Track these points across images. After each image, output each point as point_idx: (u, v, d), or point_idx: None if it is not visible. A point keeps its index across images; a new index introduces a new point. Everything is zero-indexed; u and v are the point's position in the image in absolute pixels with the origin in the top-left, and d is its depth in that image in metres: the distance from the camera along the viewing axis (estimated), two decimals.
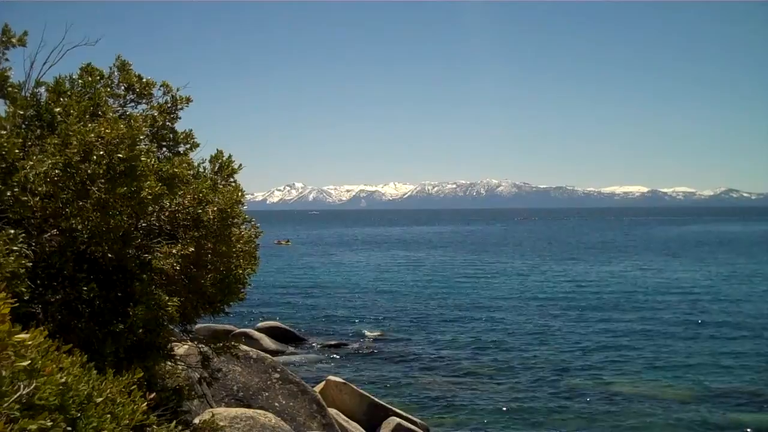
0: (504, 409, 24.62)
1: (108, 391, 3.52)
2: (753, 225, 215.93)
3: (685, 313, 43.92)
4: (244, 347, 15.80)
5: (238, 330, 32.81)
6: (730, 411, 24.05)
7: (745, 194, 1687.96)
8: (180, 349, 12.19)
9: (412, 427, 18.85)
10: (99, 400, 3.42)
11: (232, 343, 7.70)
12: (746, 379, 27.94)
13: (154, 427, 3.80)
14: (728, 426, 22.63)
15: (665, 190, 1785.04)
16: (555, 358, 31.76)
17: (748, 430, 22.22)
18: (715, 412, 23.86)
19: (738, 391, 26.23)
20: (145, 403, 3.64)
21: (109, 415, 3.39)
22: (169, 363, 7.50)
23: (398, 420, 18.72)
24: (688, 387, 26.89)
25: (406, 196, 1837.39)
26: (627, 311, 44.96)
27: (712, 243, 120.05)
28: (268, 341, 32.93)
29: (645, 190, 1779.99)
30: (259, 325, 36.38)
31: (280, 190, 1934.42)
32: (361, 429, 17.43)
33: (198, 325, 19.83)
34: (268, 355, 17.25)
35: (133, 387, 3.69)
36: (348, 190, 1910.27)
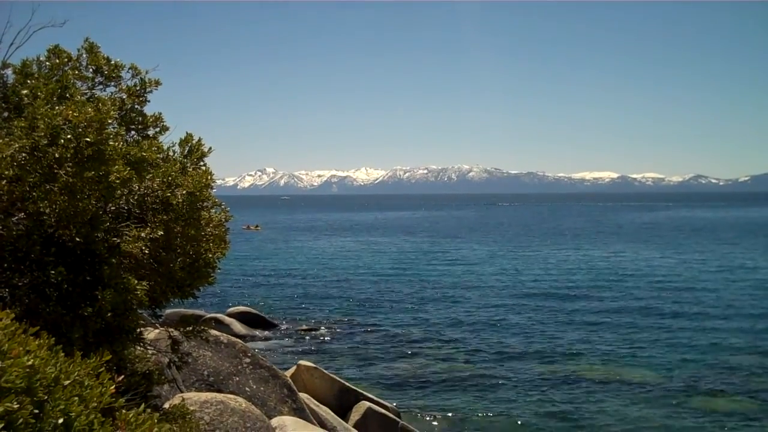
0: (475, 392, 24.80)
1: (76, 373, 3.51)
2: (721, 211, 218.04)
3: (656, 299, 44.37)
4: (214, 332, 15.77)
5: (209, 315, 32.74)
6: (701, 395, 24.40)
7: (713, 180, 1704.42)
8: (150, 334, 12.14)
9: (383, 410, 18.91)
10: (66, 382, 3.41)
11: (202, 327, 7.68)
12: (715, 363, 28.32)
13: (123, 411, 3.78)
14: (700, 409, 22.95)
15: (635, 176, 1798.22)
16: (525, 344, 32.00)
17: (720, 412, 22.58)
18: (682, 396, 24.19)
19: (709, 375, 26.59)
20: (114, 386, 3.62)
21: (76, 398, 3.38)
22: (139, 347, 7.48)
23: (369, 404, 18.78)
24: (657, 371, 27.22)
25: (378, 181, 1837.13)
26: (597, 297, 45.35)
27: (683, 229, 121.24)
28: (238, 326, 32.86)
29: (615, 176, 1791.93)
30: (230, 310, 36.28)
31: (251, 176, 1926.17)
32: (332, 413, 17.45)
33: (168, 311, 19.77)
34: (239, 340, 17.21)
35: (101, 370, 3.68)
36: (319, 176, 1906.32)
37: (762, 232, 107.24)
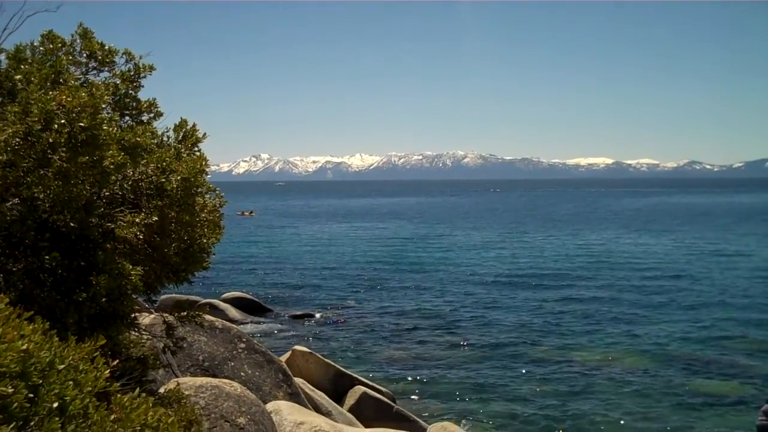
0: (470, 376, 24.90)
1: (70, 358, 3.51)
2: (716, 197, 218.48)
3: (651, 284, 44.53)
4: (209, 317, 15.79)
5: (204, 300, 32.75)
6: (690, 378, 24.53)
7: (707, 166, 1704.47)
8: (145, 319, 12.15)
9: (378, 395, 18.97)
10: (61, 367, 3.41)
11: (197, 312, 7.69)
12: (705, 347, 28.44)
13: (118, 395, 3.79)
14: (689, 392, 23.08)
15: (629, 162, 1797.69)
16: (520, 329, 32.12)
17: (713, 395, 22.72)
18: (675, 380, 24.32)
19: (702, 359, 26.74)
20: (108, 371, 3.63)
21: (71, 382, 3.38)
22: (134, 333, 7.49)
23: (364, 389, 18.84)
24: (650, 355, 27.34)
25: (373, 167, 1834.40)
26: (592, 282, 45.47)
27: (678, 215, 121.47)
28: (233, 312, 32.90)
29: (609, 161, 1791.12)
30: (225, 295, 36.29)
31: (245, 161, 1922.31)
32: (327, 398, 17.50)
33: (163, 296, 19.79)
34: (234, 326, 17.24)
35: (95, 354, 3.69)
36: (314, 162, 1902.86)
37: (756, 218, 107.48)
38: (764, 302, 37.59)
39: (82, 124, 5.67)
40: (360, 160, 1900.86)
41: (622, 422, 20.59)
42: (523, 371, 25.49)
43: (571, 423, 20.61)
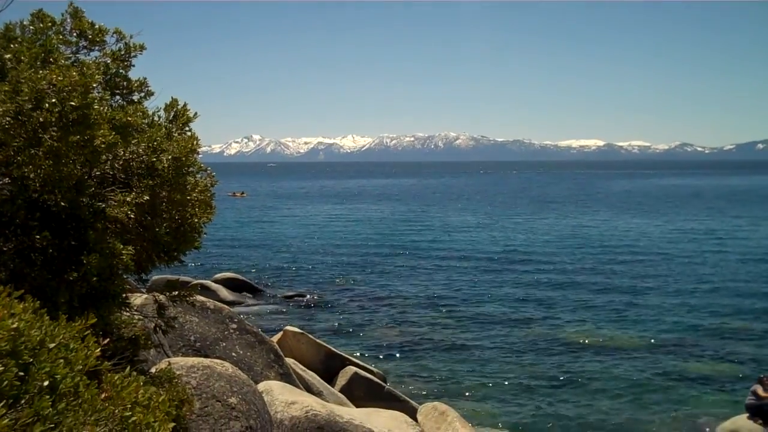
0: (461, 357, 25.00)
1: (61, 336, 3.52)
2: (707, 179, 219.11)
3: (643, 265, 44.69)
4: (200, 298, 15.79)
5: (195, 281, 32.74)
6: (680, 358, 24.68)
7: (698, 148, 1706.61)
8: (137, 299, 12.15)
9: (369, 375, 19.04)
10: (52, 345, 3.42)
11: (188, 291, 7.70)
12: (695, 328, 28.60)
13: (109, 373, 3.81)
14: (679, 372, 23.23)
15: (621, 144, 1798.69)
16: (511, 310, 32.22)
17: (697, 375, 22.88)
18: (665, 360, 24.46)
19: (687, 340, 26.88)
20: (99, 349, 3.64)
21: (62, 361, 3.39)
22: (125, 313, 7.49)
23: (355, 369, 18.90)
24: (642, 336, 27.48)
25: (365, 148, 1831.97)
26: (585, 264, 45.60)
27: (670, 197, 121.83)
28: (225, 292, 32.90)
29: (601, 143, 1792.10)
30: (216, 276, 36.26)
31: (237, 142, 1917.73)
32: (319, 378, 17.55)
33: (154, 277, 19.78)
34: (226, 306, 17.24)
35: (86, 333, 3.69)
36: (306, 143, 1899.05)
37: (748, 200, 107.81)
38: (755, 285, 37.77)
39: (72, 104, 5.65)
40: (352, 142, 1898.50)
41: (611, 403, 20.72)
42: (515, 352, 25.60)
43: (561, 403, 20.73)
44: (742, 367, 23.69)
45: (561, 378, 22.78)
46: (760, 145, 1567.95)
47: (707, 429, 18.68)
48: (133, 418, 3.56)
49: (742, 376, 22.52)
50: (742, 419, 17.84)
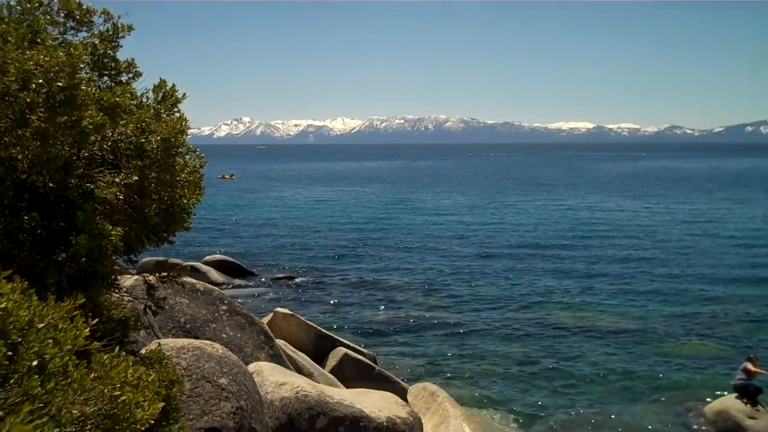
0: (452, 339, 25.09)
1: (50, 317, 3.51)
2: (697, 161, 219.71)
3: (634, 248, 44.87)
4: (191, 280, 15.80)
5: (185, 263, 32.67)
6: (670, 338, 24.84)
7: (688, 131, 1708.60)
8: (127, 281, 12.14)
9: (359, 356, 19.10)
10: (41, 325, 3.42)
11: (178, 272, 7.69)
12: (685, 309, 28.75)
13: (98, 353, 3.81)
14: (669, 352, 23.38)
15: (611, 126, 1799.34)
16: (502, 292, 32.34)
17: (687, 355, 23.03)
18: (656, 341, 24.61)
19: (677, 321, 27.03)
20: (88, 329, 3.64)
21: (51, 341, 3.39)
22: (115, 294, 7.49)
23: (345, 350, 18.95)
24: (631, 318, 27.62)
25: (354, 131, 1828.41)
26: (575, 246, 45.75)
27: (661, 179, 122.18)
28: (215, 274, 32.89)
29: (591, 126, 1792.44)
30: (206, 258, 36.23)
31: (227, 125, 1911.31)
32: (309, 359, 17.60)
33: (144, 259, 19.77)
34: (216, 288, 17.25)
35: (75, 313, 3.69)
36: (296, 125, 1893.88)
37: (738, 183, 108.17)
38: (744, 267, 37.97)
39: (60, 84, 5.62)
40: (342, 124, 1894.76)
41: (601, 383, 20.84)
42: (504, 334, 25.69)
43: (549, 384, 20.84)
44: (730, 348, 23.85)
45: (550, 359, 22.90)
46: (749, 128, 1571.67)
47: (696, 409, 18.82)
48: (123, 398, 3.56)
49: (730, 357, 22.67)
50: (729, 399, 17.99)
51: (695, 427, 18.05)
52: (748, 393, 17.75)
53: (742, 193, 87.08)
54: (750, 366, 17.96)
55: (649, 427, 17.90)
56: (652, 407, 19.12)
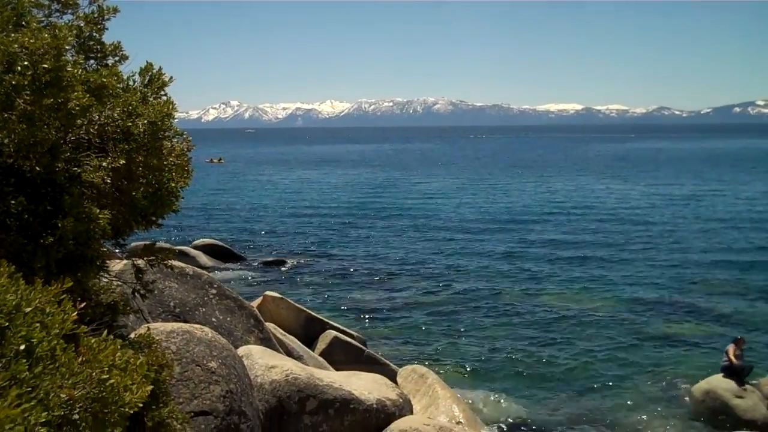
0: (440, 320, 25.15)
1: (37, 301, 3.50)
2: (686, 142, 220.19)
3: (623, 230, 45.02)
4: (180, 264, 15.77)
5: (175, 248, 32.56)
6: (658, 320, 24.96)
7: (676, 112, 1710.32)
8: (116, 266, 12.11)
9: (349, 339, 19.13)
10: (28, 309, 3.40)
11: (166, 254, 7.68)
12: (672, 291, 28.88)
13: (86, 337, 3.79)
14: (656, 334, 23.50)
15: (599, 107, 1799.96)
16: (490, 274, 32.43)
17: (674, 337, 23.16)
18: (643, 322, 24.72)
19: (665, 302, 27.17)
20: (76, 313, 3.63)
21: (38, 324, 3.38)
22: (104, 278, 7.47)
23: (335, 333, 18.97)
24: (618, 300, 27.73)
25: (343, 114, 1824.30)
26: (565, 228, 45.88)
27: (650, 160, 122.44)
28: (204, 258, 32.83)
29: (579, 107, 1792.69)
30: (195, 242, 36.14)
31: (215, 108, 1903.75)
32: (299, 342, 17.61)
33: (133, 243, 19.73)
34: (205, 272, 17.23)
35: (63, 297, 3.67)
36: (284, 109, 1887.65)
37: (727, 164, 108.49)
38: (733, 247, 38.14)
39: (45, 66, 5.58)
40: (330, 107, 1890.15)
41: (589, 364, 20.94)
42: (494, 315, 25.78)
43: (539, 365, 20.93)
44: (719, 328, 23.99)
45: (538, 341, 22.99)
46: (737, 109, 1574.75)
47: (683, 388, 18.94)
48: (111, 381, 3.55)
49: (718, 337, 22.80)
50: (717, 378, 18.11)
51: (683, 406, 18.17)
52: (735, 373, 17.87)
53: (731, 174, 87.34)
54: (731, 352, 18.10)
55: (637, 407, 18.02)
56: (640, 387, 19.23)
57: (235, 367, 10.23)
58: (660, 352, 21.89)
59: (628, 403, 18.26)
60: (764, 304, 26.86)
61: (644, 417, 17.42)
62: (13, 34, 5.87)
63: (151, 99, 7.39)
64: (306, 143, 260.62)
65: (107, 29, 8.04)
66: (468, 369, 20.67)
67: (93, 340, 3.77)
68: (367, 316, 25.65)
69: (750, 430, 16.55)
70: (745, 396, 17.49)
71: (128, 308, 7.78)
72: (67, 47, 6.05)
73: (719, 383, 17.85)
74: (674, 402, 18.47)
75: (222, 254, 35.41)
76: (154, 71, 7.77)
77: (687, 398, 18.42)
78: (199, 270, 16.73)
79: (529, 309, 26.50)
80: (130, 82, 7.69)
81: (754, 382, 18.24)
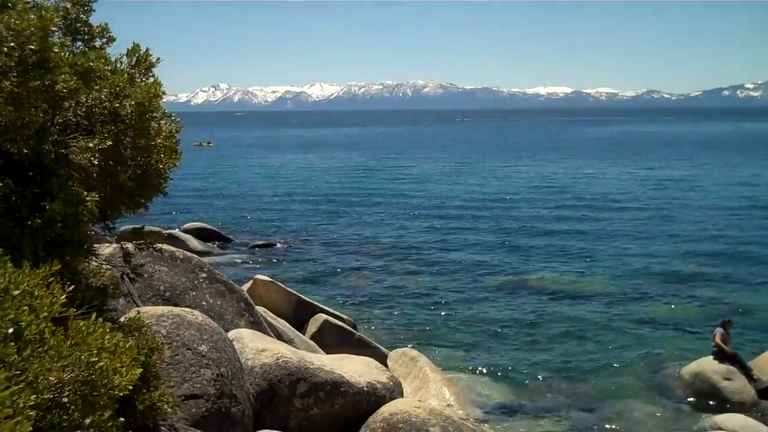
0: (431, 303, 25.18)
1: (25, 284, 3.48)
2: (676, 126, 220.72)
3: (613, 213, 45.09)
4: (170, 247, 15.74)
5: (164, 231, 32.54)
6: (649, 304, 25.03)
7: (665, 95, 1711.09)
8: (105, 249, 12.07)
9: (340, 322, 19.15)
10: (16, 292, 3.38)
11: (156, 237, 7.65)
12: (663, 275, 28.96)
13: (74, 320, 3.77)
14: (647, 318, 23.56)
15: (588, 91, 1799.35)
16: (481, 257, 32.47)
17: (665, 321, 23.26)
18: (634, 306, 24.79)
19: (656, 286, 27.21)
20: (64, 296, 3.60)
21: (26, 308, 3.35)
22: (93, 262, 7.44)
23: (325, 316, 18.99)
24: (608, 282, 27.81)
25: (333, 97, 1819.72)
26: (554, 211, 45.93)
27: (641, 144, 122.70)
28: (194, 242, 32.74)
29: (569, 90, 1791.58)
30: (185, 226, 36.04)
31: (204, 91, 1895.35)
32: (289, 326, 17.61)
33: (123, 227, 19.67)
34: (195, 256, 17.20)
35: (51, 280, 3.65)
36: (274, 92, 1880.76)
37: (716, 147, 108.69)
38: (723, 230, 38.25)
39: (32, 47, 5.53)
40: (320, 90, 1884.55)
41: (579, 347, 20.99)
42: (485, 299, 25.81)
43: (529, 348, 20.97)
44: (708, 311, 24.06)
45: (530, 323, 23.02)
46: (726, 92, 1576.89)
47: (673, 371, 18.99)
48: (100, 364, 3.53)
49: (707, 319, 22.85)
50: (707, 361, 18.15)
51: (672, 388, 18.22)
52: (728, 359, 17.91)
53: (720, 157, 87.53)
54: (718, 337, 18.15)
55: (626, 388, 18.07)
56: (629, 369, 19.27)
57: (226, 351, 10.22)
58: (650, 334, 21.95)
59: (618, 384, 18.30)
60: (756, 286, 26.96)
61: (633, 399, 17.47)
62: None
63: (139, 80, 7.34)
64: (296, 126, 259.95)
65: (94, 11, 7.97)
66: (459, 351, 20.70)
67: (82, 323, 3.75)
68: (357, 300, 25.65)
69: (738, 412, 16.61)
70: (734, 378, 17.55)
71: (118, 292, 7.76)
72: (53, 28, 5.99)
73: (709, 365, 17.90)
74: (663, 384, 18.51)
75: (212, 237, 35.37)
76: (141, 52, 7.72)
77: (676, 380, 18.47)
78: (189, 254, 16.70)
79: (519, 292, 26.55)
80: (118, 65, 7.62)
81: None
